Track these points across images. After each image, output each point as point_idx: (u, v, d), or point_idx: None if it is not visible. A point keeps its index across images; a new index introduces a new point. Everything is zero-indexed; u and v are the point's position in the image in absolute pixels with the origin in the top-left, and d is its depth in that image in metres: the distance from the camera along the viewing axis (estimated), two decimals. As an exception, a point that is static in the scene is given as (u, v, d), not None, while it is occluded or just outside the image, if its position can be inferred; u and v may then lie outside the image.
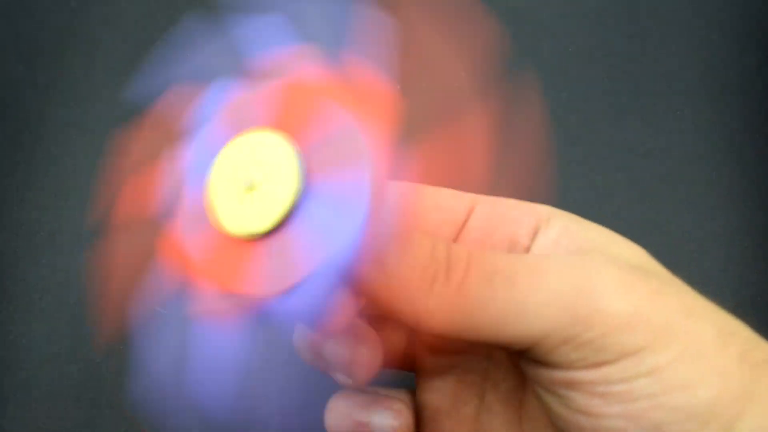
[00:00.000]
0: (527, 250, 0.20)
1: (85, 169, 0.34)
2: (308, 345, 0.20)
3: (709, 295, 0.30)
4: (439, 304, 0.16)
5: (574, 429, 0.17)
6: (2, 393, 0.29)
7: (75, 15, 0.38)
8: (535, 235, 0.20)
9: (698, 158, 0.33)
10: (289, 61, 0.17)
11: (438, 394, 0.21)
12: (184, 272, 0.16)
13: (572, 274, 0.17)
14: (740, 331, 0.17)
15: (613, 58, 0.36)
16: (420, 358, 0.22)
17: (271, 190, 0.15)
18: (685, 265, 0.31)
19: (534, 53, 0.36)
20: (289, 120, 0.16)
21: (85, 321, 0.30)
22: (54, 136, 0.35)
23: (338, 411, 0.21)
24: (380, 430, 0.20)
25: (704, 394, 0.16)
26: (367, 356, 0.19)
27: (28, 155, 0.34)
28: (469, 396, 0.21)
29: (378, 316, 0.21)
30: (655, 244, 0.32)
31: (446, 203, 0.21)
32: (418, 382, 0.22)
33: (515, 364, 0.21)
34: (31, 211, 0.33)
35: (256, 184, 0.16)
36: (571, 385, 0.17)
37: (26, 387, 0.29)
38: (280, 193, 0.15)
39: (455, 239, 0.21)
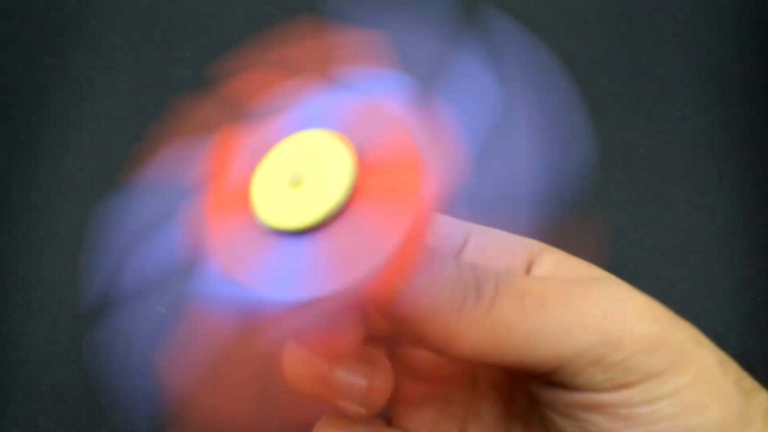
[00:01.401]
0: None
1: (85, 169, 0.34)
2: (310, 374, 0.19)
3: (710, 295, 0.30)
4: (469, 325, 0.16)
5: None
6: (2, 393, 0.29)
7: (75, 15, 0.38)
8: (529, 267, 0.20)
9: (698, 158, 0.33)
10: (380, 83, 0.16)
11: (418, 423, 0.21)
12: (202, 248, 0.15)
13: (601, 297, 0.17)
14: (731, 360, 0.18)
15: (613, 58, 0.36)
16: (401, 387, 0.21)
17: (318, 190, 0.15)
18: (685, 265, 0.31)
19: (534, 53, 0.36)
20: (355, 132, 0.16)
21: (85, 321, 0.30)
22: (54, 136, 0.35)
23: None
24: None
25: (714, 418, 0.16)
26: (382, 383, 0.19)
27: (28, 155, 0.34)
28: (449, 426, 0.21)
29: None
30: (655, 244, 0.32)
31: (444, 230, 0.21)
32: (395, 412, 0.21)
33: (501, 395, 0.21)
34: (31, 211, 0.33)
35: (303, 180, 0.15)
36: (594, 408, 0.17)
37: (26, 387, 0.29)
38: (328, 194, 0.15)
39: None
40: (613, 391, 0.17)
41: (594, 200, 0.33)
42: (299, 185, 0.15)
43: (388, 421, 0.21)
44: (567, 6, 0.37)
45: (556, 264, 0.20)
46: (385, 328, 0.19)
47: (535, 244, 0.21)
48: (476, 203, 0.17)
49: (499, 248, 0.21)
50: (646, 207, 0.32)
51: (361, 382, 0.19)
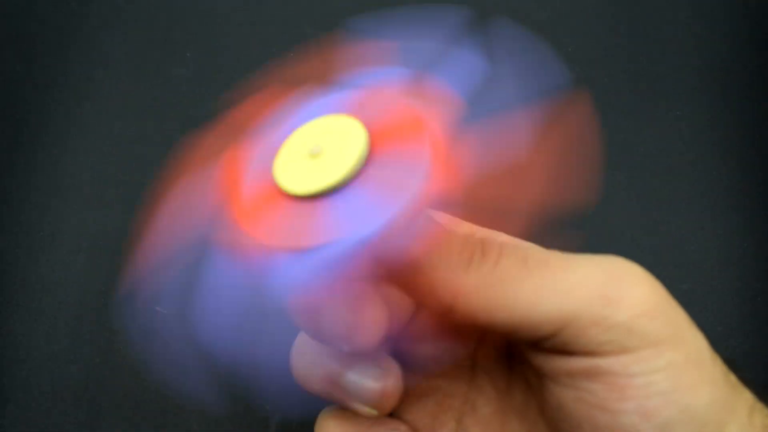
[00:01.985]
0: None
1: (85, 169, 0.34)
2: (322, 374, 0.19)
3: (710, 295, 0.30)
4: (476, 281, 0.17)
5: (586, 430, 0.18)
6: (2, 393, 0.29)
7: (75, 15, 0.38)
8: None
9: (698, 158, 0.33)
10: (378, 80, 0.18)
11: (417, 415, 0.21)
12: (228, 213, 0.17)
13: (603, 263, 0.18)
14: (717, 355, 0.19)
15: (613, 58, 0.36)
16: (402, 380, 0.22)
17: (335, 158, 0.16)
18: (685, 265, 0.31)
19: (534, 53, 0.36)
20: (364, 112, 0.17)
21: (85, 321, 0.30)
22: (54, 136, 0.35)
23: None
24: None
25: (704, 398, 0.17)
26: (394, 385, 0.19)
27: (28, 155, 0.34)
28: (447, 418, 0.21)
29: None
30: (656, 244, 0.32)
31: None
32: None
33: (498, 390, 0.21)
34: (31, 211, 0.33)
35: (321, 151, 0.17)
36: (594, 375, 0.17)
37: (26, 387, 0.29)
38: (343, 160, 0.16)
39: None
40: (613, 357, 0.17)
41: (594, 200, 0.33)
42: (318, 156, 0.17)
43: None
44: (567, 6, 0.37)
45: None
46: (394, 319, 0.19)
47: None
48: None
49: None
50: (646, 207, 0.32)
51: (374, 385, 0.19)
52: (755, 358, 0.29)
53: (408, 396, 0.21)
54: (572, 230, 0.21)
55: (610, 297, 0.17)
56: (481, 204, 0.17)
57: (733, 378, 0.18)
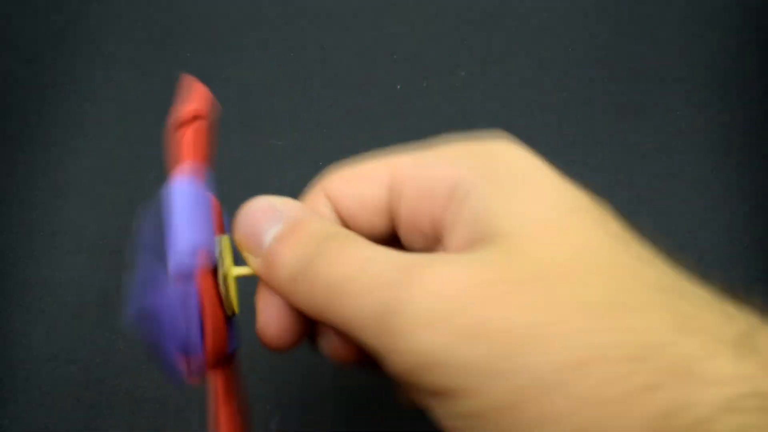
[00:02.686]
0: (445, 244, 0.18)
1: (85, 169, 0.34)
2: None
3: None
4: (297, 285, 0.17)
5: None
6: (2, 393, 0.29)
7: (75, 15, 0.38)
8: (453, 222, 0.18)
9: (697, 158, 0.33)
10: None
11: None
12: None
13: (383, 296, 0.15)
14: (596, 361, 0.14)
15: (613, 58, 0.36)
16: None
17: None
18: (685, 265, 0.31)
19: (534, 53, 0.36)
20: None
21: (85, 321, 0.30)
22: (54, 136, 0.35)
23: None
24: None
25: None
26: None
27: (28, 155, 0.34)
28: None
29: None
30: (655, 243, 0.32)
31: (365, 192, 0.19)
32: None
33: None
34: (31, 211, 0.33)
35: None
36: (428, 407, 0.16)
37: (26, 387, 0.29)
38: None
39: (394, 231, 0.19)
40: (415, 395, 0.16)
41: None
42: None
43: None
44: (567, 6, 0.37)
45: (473, 218, 0.17)
46: None
47: (465, 178, 0.18)
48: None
49: (427, 197, 0.18)
50: (646, 207, 0.32)
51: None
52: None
53: None
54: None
55: (380, 349, 0.15)
56: None
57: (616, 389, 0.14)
